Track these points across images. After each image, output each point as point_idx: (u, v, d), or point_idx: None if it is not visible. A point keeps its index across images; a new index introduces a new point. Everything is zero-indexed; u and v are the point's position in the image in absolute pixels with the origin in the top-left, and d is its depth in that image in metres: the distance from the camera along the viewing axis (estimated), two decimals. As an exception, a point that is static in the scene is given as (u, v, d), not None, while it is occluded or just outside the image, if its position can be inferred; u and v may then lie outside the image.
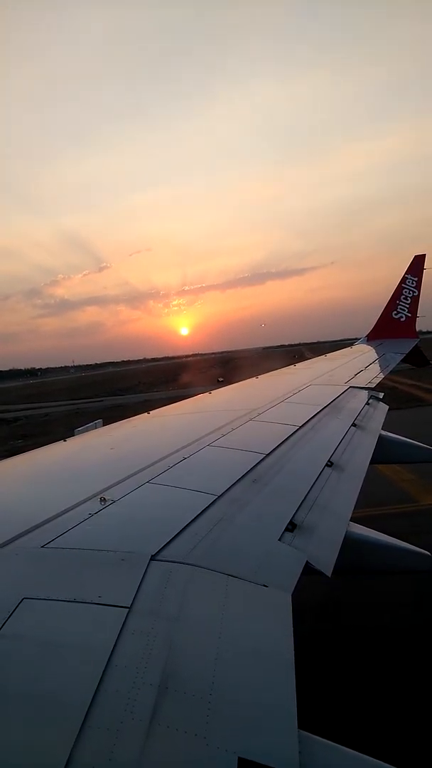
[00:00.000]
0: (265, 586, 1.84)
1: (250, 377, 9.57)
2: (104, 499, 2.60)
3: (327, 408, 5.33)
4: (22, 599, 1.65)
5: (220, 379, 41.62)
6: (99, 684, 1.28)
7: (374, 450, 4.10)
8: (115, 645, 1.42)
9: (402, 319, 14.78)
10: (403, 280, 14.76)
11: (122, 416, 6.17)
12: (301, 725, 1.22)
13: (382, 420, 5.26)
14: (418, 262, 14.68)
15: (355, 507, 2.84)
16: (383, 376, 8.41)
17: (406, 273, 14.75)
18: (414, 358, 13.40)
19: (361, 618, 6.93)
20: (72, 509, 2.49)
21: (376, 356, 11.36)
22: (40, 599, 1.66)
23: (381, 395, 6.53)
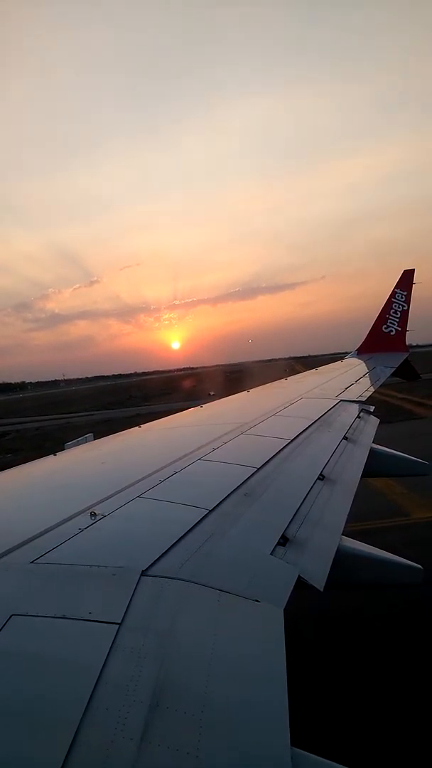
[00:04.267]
0: (257, 601, 1.83)
1: (241, 391, 9.59)
2: (95, 513, 2.58)
3: (318, 421, 5.35)
4: (11, 616, 1.62)
5: (211, 393, 41.61)
6: (89, 702, 1.26)
7: (366, 463, 4.11)
8: (105, 662, 1.40)
9: (392, 333, 14.90)
10: (393, 294, 14.91)
11: (113, 430, 6.15)
12: (294, 742, 1.21)
13: (373, 433, 5.28)
14: (407, 277, 14.85)
15: (347, 521, 2.84)
16: (374, 390, 8.46)
17: (395, 287, 14.90)
18: (404, 371, 13.49)
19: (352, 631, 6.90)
20: (62, 524, 2.47)
21: (366, 370, 11.43)
22: (29, 616, 1.64)
23: (372, 408, 6.56)
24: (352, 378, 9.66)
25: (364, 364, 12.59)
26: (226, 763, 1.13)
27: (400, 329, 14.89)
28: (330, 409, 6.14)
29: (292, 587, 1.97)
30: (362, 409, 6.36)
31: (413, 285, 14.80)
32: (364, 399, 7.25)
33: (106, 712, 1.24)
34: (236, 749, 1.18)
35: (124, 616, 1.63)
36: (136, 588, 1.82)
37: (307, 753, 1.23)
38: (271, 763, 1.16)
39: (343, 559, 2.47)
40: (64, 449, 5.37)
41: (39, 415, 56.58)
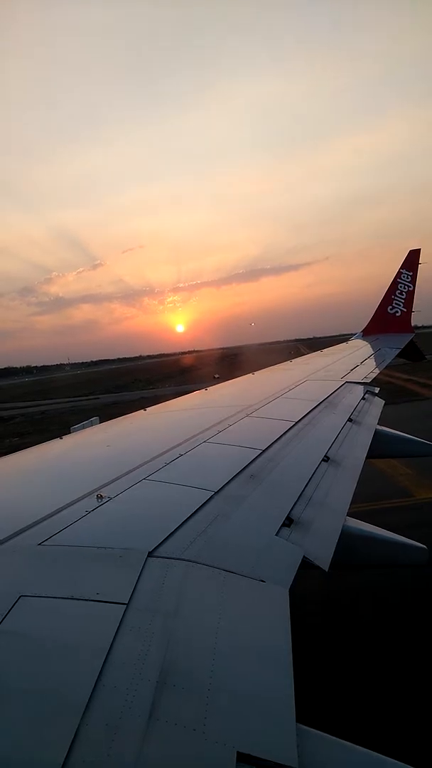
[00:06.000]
0: (262, 581, 1.84)
1: (246, 373, 9.57)
2: (101, 496, 2.60)
3: (323, 403, 5.34)
4: (20, 597, 1.65)
5: (216, 376, 41.60)
6: (97, 680, 1.28)
7: (370, 445, 4.11)
8: (113, 641, 1.42)
9: (397, 314, 14.79)
10: (398, 275, 14.76)
11: (118, 413, 6.16)
12: (300, 719, 1.23)
13: (378, 415, 5.27)
14: (413, 257, 14.68)
15: (352, 502, 2.85)
16: (379, 371, 8.42)
17: (401, 268, 14.74)
18: (409, 352, 13.41)
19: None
20: (69, 506, 2.49)
21: (371, 351, 11.37)
22: (37, 597, 1.66)
23: (377, 390, 6.54)
24: (357, 359, 9.62)
25: (369, 346, 12.52)
26: (232, 740, 1.15)
27: (405, 310, 14.77)
28: (335, 391, 6.13)
29: (297, 567, 1.98)
30: (367, 391, 6.34)
31: (419, 265, 14.64)
32: (369, 380, 7.22)
33: (115, 691, 1.26)
34: (242, 726, 1.20)
35: (131, 596, 1.65)
36: (142, 569, 1.83)
37: (313, 729, 1.24)
38: (277, 739, 1.18)
39: (347, 540, 2.48)
40: (70, 432, 5.39)
41: (44, 399, 56.80)
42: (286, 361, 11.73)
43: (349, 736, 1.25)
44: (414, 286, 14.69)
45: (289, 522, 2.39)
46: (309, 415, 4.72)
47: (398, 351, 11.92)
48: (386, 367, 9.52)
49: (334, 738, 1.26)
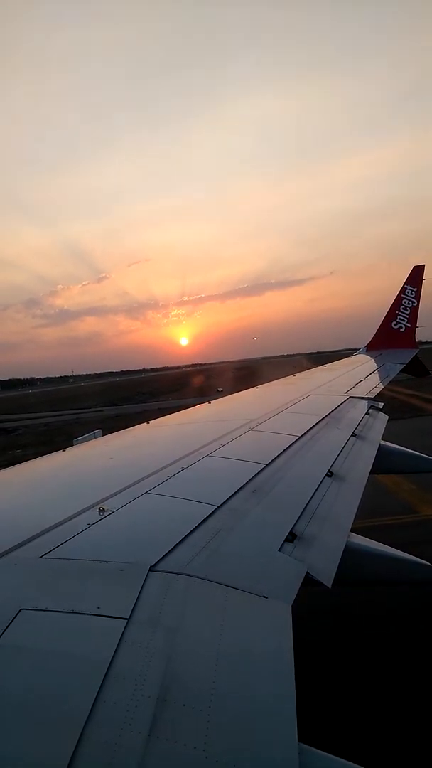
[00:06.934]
0: (264, 597, 1.82)
1: (249, 387, 9.58)
2: (103, 509, 2.59)
3: (326, 418, 5.33)
4: (20, 610, 1.64)
5: (220, 389, 41.64)
6: (97, 696, 1.26)
7: (374, 460, 4.09)
8: (113, 657, 1.41)
9: (402, 330, 14.82)
10: (403, 290, 14.82)
11: (122, 426, 6.16)
12: (301, 738, 1.21)
13: (382, 430, 5.26)
14: (417, 273, 14.75)
15: (356, 517, 2.83)
16: (383, 386, 8.41)
17: (405, 283, 14.81)
18: (414, 368, 13.41)
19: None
20: (70, 519, 2.48)
21: (375, 366, 11.37)
22: (37, 610, 1.65)
23: (381, 405, 6.53)
24: (361, 374, 9.62)
25: (373, 361, 12.53)
26: (233, 759, 1.13)
27: (409, 325, 14.81)
28: (339, 406, 6.12)
29: (300, 583, 1.96)
30: (371, 406, 6.33)
31: (423, 281, 14.71)
32: (373, 395, 7.22)
33: (114, 707, 1.24)
34: (243, 745, 1.18)
35: (132, 611, 1.64)
36: (144, 583, 1.82)
37: (315, 749, 1.23)
38: (279, 759, 1.16)
39: (351, 556, 2.46)
40: (72, 445, 5.39)
41: (48, 411, 56.90)
42: (289, 375, 11.74)
43: (352, 756, 1.23)
44: (418, 301, 14.74)
45: (292, 537, 2.37)
46: (312, 430, 4.71)
47: (402, 366, 11.92)
48: (390, 383, 9.51)
49: (336, 758, 1.24)
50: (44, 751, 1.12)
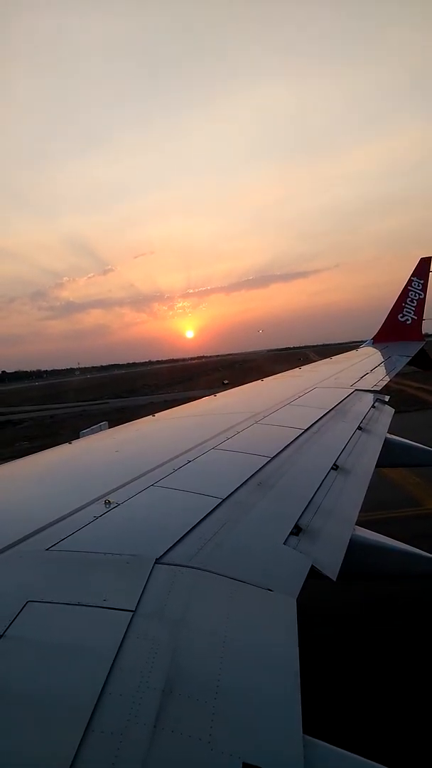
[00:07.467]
0: (270, 590, 1.83)
1: (255, 380, 9.56)
2: (109, 501, 2.60)
3: (332, 411, 5.32)
4: (27, 602, 1.65)
5: (225, 382, 41.61)
6: (103, 687, 1.27)
7: (380, 453, 4.09)
8: (119, 648, 1.42)
9: (408, 322, 14.73)
10: (409, 282, 14.72)
11: (127, 419, 6.17)
12: (306, 730, 1.21)
13: (388, 423, 5.24)
14: (424, 265, 14.63)
15: (361, 510, 2.82)
16: (389, 379, 8.38)
17: (412, 276, 14.70)
18: (420, 360, 13.34)
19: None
20: (77, 512, 2.49)
21: (381, 359, 11.32)
22: (44, 602, 1.66)
23: (387, 398, 6.51)
24: (367, 367, 9.58)
25: (379, 353, 12.47)
26: (238, 751, 1.14)
27: (416, 318, 14.72)
28: (344, 399, 6.10)
29: (305, 577, 1.97)
30: (377, 399, 6.31)
31: (430, 273, 14.60)
32: (378, 388, 7.19)
33: (120, 698, 1.25)
34: (248, 737, 1.19)
35: (138, 603, 1.65)
36: (149, 576, 1.83)
37: (320, 741, 1.23)
38: (284, 750, 1.17)
39: (356, 549, 2.46)
40: (79, 437, 5.41)
41: (54, 403, 57.07)
42: (295, 367, 11.70)
43: (356, 748, 1.23)
44: (425, 294, 14.64)
45: (297, 530, 2.37)
46: (318, 423, 4.70)
47: (409, 359, 11.87)
48: (396, 375, 9.46)
49: (341, 750, 1.25)
50: (51, 742, 1.13)
